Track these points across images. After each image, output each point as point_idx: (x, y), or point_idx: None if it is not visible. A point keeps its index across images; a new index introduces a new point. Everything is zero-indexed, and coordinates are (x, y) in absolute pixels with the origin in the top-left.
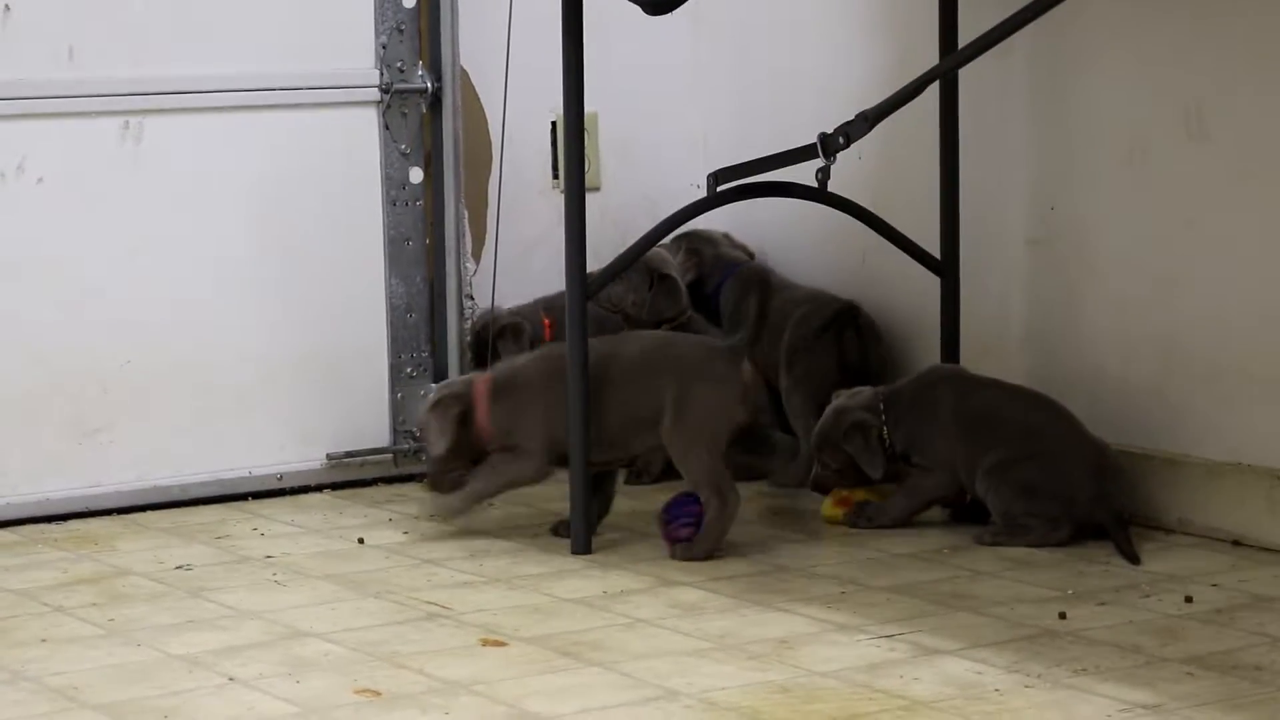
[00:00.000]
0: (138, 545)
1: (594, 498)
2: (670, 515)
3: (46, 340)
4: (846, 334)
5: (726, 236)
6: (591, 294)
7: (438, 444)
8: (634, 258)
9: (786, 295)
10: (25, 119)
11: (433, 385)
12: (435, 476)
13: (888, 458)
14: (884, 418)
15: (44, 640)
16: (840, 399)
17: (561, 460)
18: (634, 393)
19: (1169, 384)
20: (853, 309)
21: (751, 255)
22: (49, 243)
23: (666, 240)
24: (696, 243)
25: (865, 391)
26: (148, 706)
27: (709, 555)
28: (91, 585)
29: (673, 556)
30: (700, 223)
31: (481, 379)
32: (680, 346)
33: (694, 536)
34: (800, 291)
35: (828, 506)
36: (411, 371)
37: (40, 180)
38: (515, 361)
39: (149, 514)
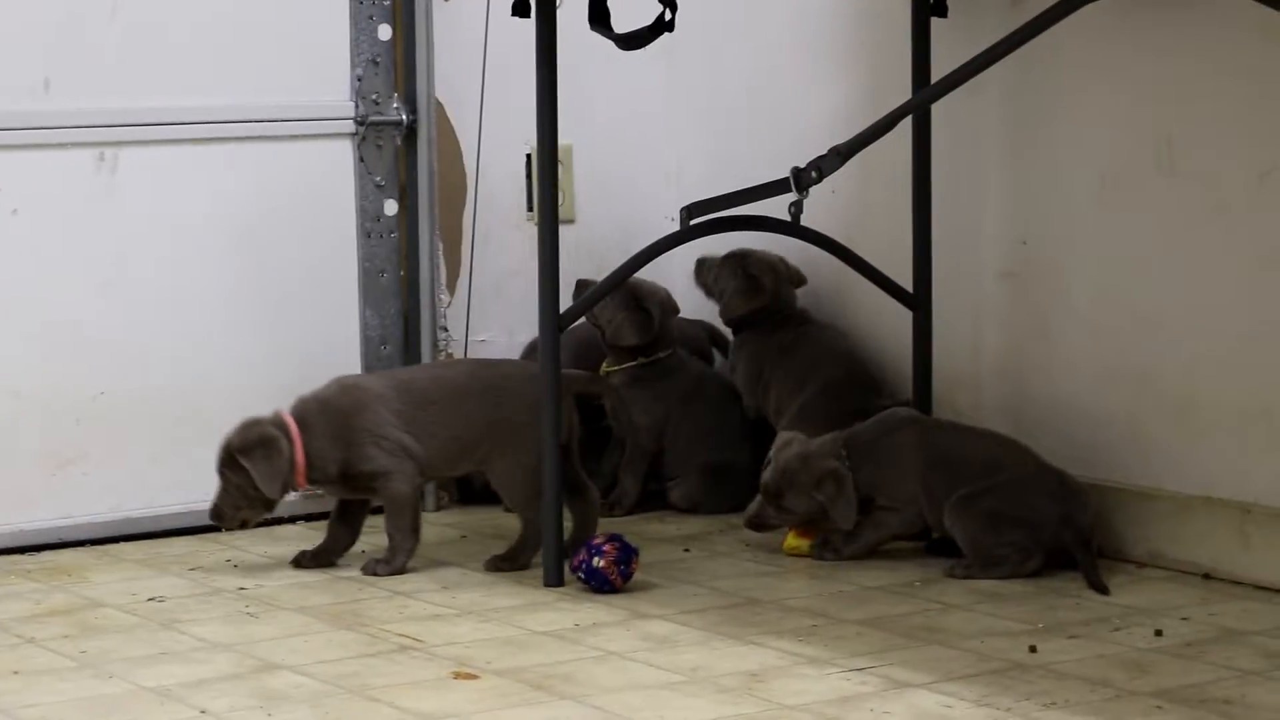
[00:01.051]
0: (111, 577)
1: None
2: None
3: (20, 371)
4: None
5: (783, 262)
6: (564, 326)
7: (270, 488)
8: (607, 291)
9: (823, 342)
10: (0, 150)
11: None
12: (227, 513)
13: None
14: (847, 464)
15: (16, 672)
16: (795, 444)
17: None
18: (457, 415)
19: (1140, 417)
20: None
21: (803, 281)
22: (24, 273)
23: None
24: (760, 270)
25: (824, 437)
26: None
27: (497, 570)
28: (64, 617)
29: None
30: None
31: (285, 414)
32: (502, 370)
33: (582, 563)
34: (840, 345)
35: (791, 538)
36: None
37: (15, 211)
38: (314, 395)
39: (122, 545)
